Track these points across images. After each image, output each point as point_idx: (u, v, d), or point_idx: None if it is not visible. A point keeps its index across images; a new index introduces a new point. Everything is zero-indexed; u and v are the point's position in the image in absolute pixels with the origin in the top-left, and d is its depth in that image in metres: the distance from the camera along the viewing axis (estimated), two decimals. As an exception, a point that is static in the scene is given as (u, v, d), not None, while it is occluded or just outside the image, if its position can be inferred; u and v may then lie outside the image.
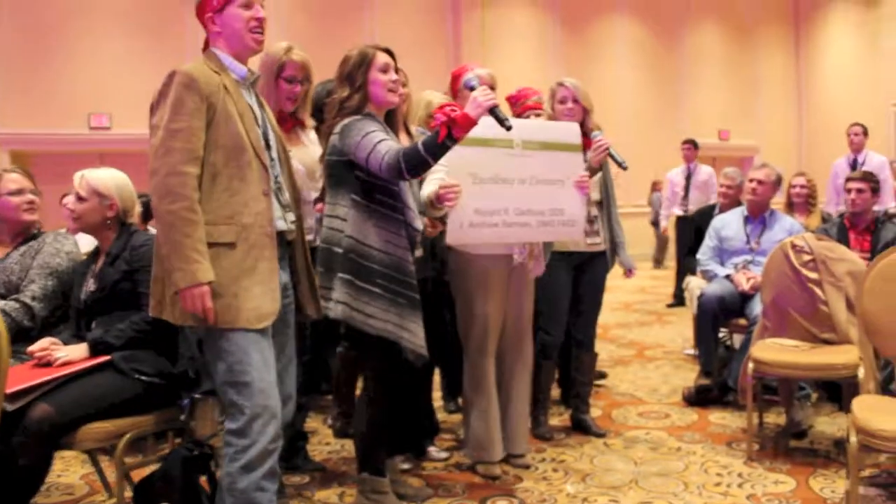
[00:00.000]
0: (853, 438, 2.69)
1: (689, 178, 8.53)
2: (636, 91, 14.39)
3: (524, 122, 3.59)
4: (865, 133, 7.71)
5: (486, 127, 2.85)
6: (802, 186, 5.76)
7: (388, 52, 2.96)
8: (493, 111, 2.71)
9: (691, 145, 8.88)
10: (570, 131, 3.53)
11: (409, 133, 3.49)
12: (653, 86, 14.61)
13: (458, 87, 3.60)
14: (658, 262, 13.23)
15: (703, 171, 8.58)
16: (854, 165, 7.77)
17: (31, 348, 2.76)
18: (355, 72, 2.90)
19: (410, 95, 3.61)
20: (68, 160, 10.03)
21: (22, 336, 2.95)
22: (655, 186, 12.96)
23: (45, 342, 2.77)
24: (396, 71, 2.98)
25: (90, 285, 2.93)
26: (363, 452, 3.04)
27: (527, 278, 3.53)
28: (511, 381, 3.56)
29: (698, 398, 4.54)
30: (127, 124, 10.72)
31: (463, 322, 3.46)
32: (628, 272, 4.15)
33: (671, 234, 8.93)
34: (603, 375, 4.96)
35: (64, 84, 10.73)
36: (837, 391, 4.34)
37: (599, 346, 4.59)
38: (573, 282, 3.95)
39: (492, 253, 3.38)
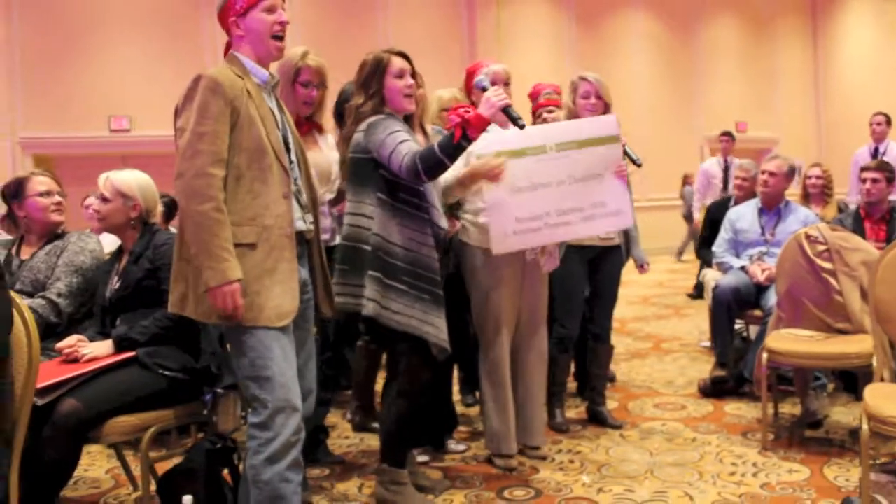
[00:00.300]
0: (865, 425, 2.72)
1: (727, 169, 8.50)
2: (652, 86, 14.37)
3: (559, 125, 3.61)
4: (889, 122, 7.68)
5: (517, 137, 2.91)
6: (818, 177, 5.77)
7: (405, 56, 3.02)
8: (505, 110, 2.76)
9: (729, 137, 8.88)
10: (607, 124, 3.54)
11: (424, 132, 3.54)
12: (669, 80, 14.58)
13: (471, 85, 3.64)
14: (680, 253, 13.20)
15: (737, 164, 8.52)
16: (875, 155, 7.76)
17: (59, 345, 2.84)
18: (370, 79, 2.97)
19: (426, 96, 3.65)
20: (89, 162, 10.19)
21: (49, 332, 3.05)
22: (687, 180, 12.92)
23: (72, 339, 2.86)
24: (413, 75, 3.03)
25: (114, 283, 3.02)
26: (388, 445, 3.10)
27: (540, 273, 3.57)
28: (526, 374, 3.61)
29: (714, 389, 4.56)
30: (147, 126, 10.86)
31: (478, 317, 3.51)
32: (641, 267, 4.20)
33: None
34: (612, 379, 4.95)
35: (84, 87, 10.87)
36: (854, 381, 4.36)
37: (616, 340, 4.63)
38: (589, 276, 3.99)
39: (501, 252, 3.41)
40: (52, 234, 3.34)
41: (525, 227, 3.30)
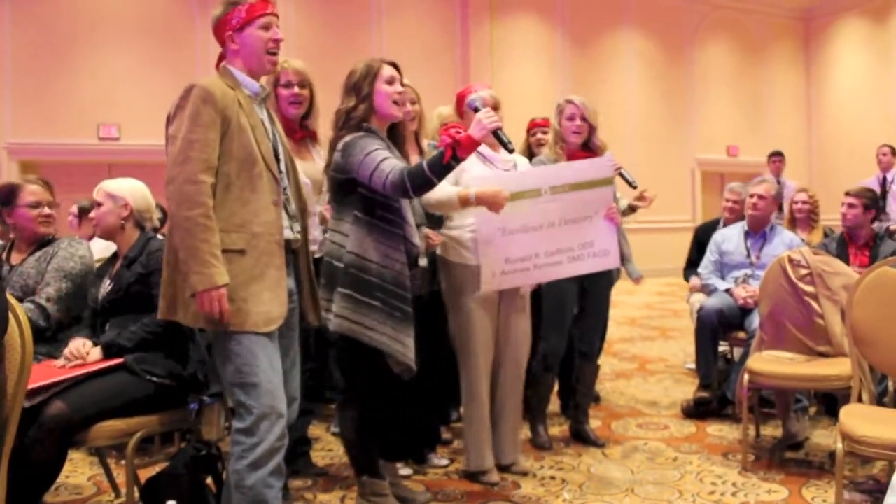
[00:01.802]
0: (839, 445, 2.81)
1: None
2: (644, 107, 14.53)
3: (554, 168, 3.73)
4: (894, 153, 7.93)
5: (514, 179, 3.02)
6: (804, 202, 5.89)
7: (395, 65, 3.10)
8: (495, 133, 2.83)
9: (779, 158, 8.93)
10: (602, 166, 3.67)
11: (420, 149, 3.61)
12: (661, 101, 14.74)
13: (462, 109, 3.73)
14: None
15: (790, 186, 8.56)
16: (884, 184, 7.99)
17: (66, 352, 2.91)
18: (361, 82, 3.02)
19: (423, 113, 3.73)
20: (77, 170, 10.23)
21: (37, 337, 3.09)
22: None
23: (77, 343, 2.93)
24: (402, 85, 3.12)
25: (106, 286, 3.09)
26: (352, 454, 3.18)
27: (519, 292, 3.65)
28: (502, 393, 3.68)
29: (697, 410, 4.65)
30: (136, 135, 10.87)
31: (456, 335, 3.58)
32: (636, 280, 4.30)
33: None
34: (596, 399, 5.05)
35: (73, 94, 10.87)
36: (835, 404, 4.45)
37: (602, 360, 4.71)
38: (579, 294, 4.07)
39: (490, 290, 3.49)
40: (43, 240, 3.41)
41: (514, 267, 3.43)
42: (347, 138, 2.94)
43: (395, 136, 3.14)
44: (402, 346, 2.94)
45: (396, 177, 2.78)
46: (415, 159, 3.43)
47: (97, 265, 3.40)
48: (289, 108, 3.51)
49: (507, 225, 3.38)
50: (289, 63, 3.50)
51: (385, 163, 2.83)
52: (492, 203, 3.21)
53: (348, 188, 2.95)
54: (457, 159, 2.74)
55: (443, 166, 2.75)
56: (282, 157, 2.71)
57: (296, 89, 3.50)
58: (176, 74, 10.82)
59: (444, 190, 3.19)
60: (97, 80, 10.95)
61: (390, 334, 2.91)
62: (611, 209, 3.62)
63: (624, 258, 4.16)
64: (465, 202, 3.25)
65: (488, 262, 3.37)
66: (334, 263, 2.94)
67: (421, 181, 2.77)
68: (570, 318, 4.07)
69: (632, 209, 4.76)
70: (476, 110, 2.89)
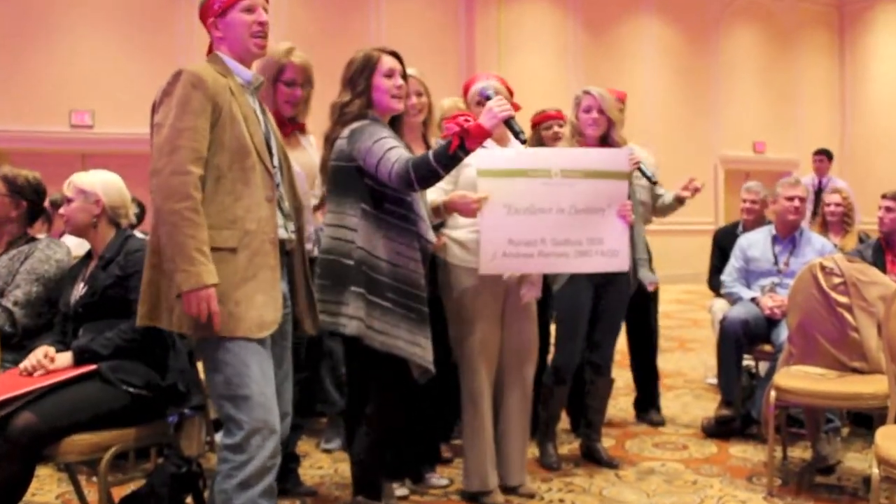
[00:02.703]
0: (875, 469, 2.81)
1: (819, 191, 8.53)
2: (664, 98, 14.50)
3: (568, 151, 3.81)
4: None
5: (522, 157, 3.00)
6: (837, 204, 5.89)
7: (396, 55, 3.11)
8: (507, 122, 2.85)
9: (824, 156, 8.90)
10: (619, 158, 3.70)
11: (427, 145, 3.61)
12: (682, 93, 14.72)
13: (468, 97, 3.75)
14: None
15: (837, 185, 8.55)
16: None
17: (24, 364, 2.90)
18: (358, 76, 3.05)
19: (432, 106, 3.72)
20: (47, 160, 10.13)
21: (3, 343, 3.11)
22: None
23: (39, 353, 2.91)
24: (404, 77, 3.12)
25: (80, 289, 3.09)
26: (361, 476, 3.16)
27: (524, 303, 3.65)
28: (507, 409, 3.68)
29: (718, 429, 4.64)
30: (111, 123, 10.85)
31: (456, 344, 3.58)
32: (650, 285, 4.30)
33: None
34: (658, 421, 5.02)
35: (42, 77, 10.80)
36: (869, 424, 4.44)
37: (615, 373, 4.70)
38: (593, 301, 4.08)
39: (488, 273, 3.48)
40: (20, 237, 3.41)
41: (517, 250, 3.40)
42: (355, 125, 2.97)
43: (397, 130, 3.15)
44: (420, 348, 2.97)
45: (402, 167, 2.80)
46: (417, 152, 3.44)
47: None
48: (285, 106, 3.52)
49: (513, 202, 3.37)
50: (298, 57, 3.49)
51: (392, 152, 2.85)
52: (463, 207, 3.24)
53: (353, 179, 2.97)
54: (465, 150, 2.75)
55: (449, 157, 2.75)
56: (275, 150, 2.71)
57: (298, 91, 3.50)
58: (156, 58, 10.79)
59: (430, 194, 3.23)
60: (69, 62, 10.89)
61: (405, 337, 2.93)
62: (624, 206, 3.62)
63: (637, 263, 4.15)
64: (436, 211, 3.28)
65: (490, 241, 3.34)
66: (342, 261, 2.94)
67: (425, 172, 2.78)
68: (585, 328, 4.07)
69: (679, 201, 4.78)
70: (488, 98, 2.91)
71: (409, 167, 2.78)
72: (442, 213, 3.29)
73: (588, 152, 3.78)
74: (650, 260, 4.60)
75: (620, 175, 3.66)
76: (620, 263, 3.69)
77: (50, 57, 10.84)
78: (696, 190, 4.74)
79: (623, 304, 4.20)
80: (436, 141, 3.69)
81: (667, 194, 4.87)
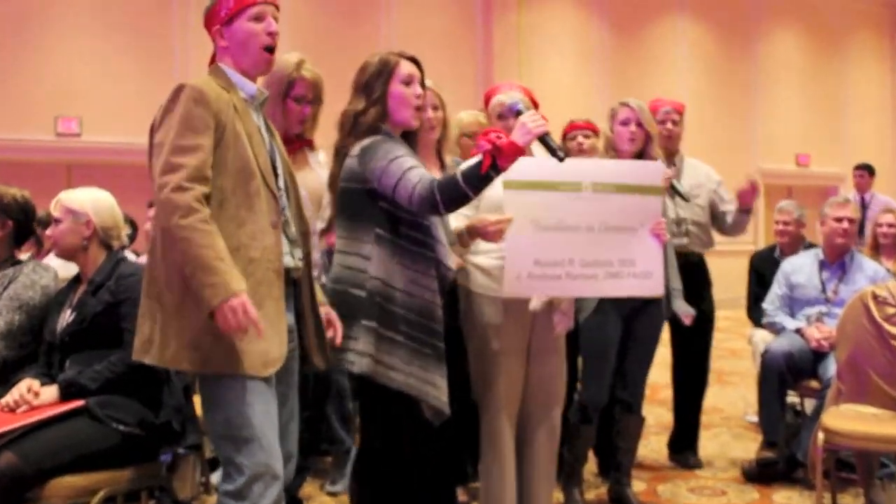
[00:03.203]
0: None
1: (863, 209, 8.52)
2: (699, 108, 14.42)
3: (598, 162, 3.82)
4: None
5: (550, 169, 3.02)
6: (890, 225, 5.85)
7: (415, 61, 3.07)
8: (543, 139, 2.82)
9: (865, 172, 8.88)
10: (652, 172, 3.69)
11: (441, 164, 3.60)
12: (719, 102, 14.70)
13: (488, 110, 3.75)
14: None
15: (881, 202, 8.52)
16: None
17: (5, 399, 2.91)
18: (374, 81, 3.00)
19: (448, 121, 3.67)
20: (31, 170, 10.19)
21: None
22: None
23: (22, 387, 2.92)
24: (423, 86, 3.10)
25: (67, 316, 3.09)
26: None
27: (553, 335, 3.62)
28: (531, 451, 3.65)
29: (761, 473, 4.61)
30: (99, 130, 10.88)
31: (477, 378, 3.55)
32: (686, 318, 4.28)
33: None
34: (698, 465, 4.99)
35: (27, 82, 10.79)
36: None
37: (646, 410, 4.68)
38: (623, 334, 4.07)
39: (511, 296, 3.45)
40: (6, 259, 3.42)
41: (543, 272, 3.38)
42: (365, 142, 2.93)
43: (411, 145, 3.11)
44: (434, 387, 2.93)
45: (425, 189, 2.76)
46: (434, 175, 3.42)
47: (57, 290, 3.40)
48: (295, 126, 3.52)
49: (540, 217, 3.35)
50: (308, 71, 3.50)
51: (412, 172, 2.82)
52: (484, 234, 3.20)
53: (366, 202, 2.93)
54: (497, 169, 2.72)
55: (480, 177, 2.72)
56: (280, 171, 2.71)
57: (307, 109, 3.51)
58: (147, 62, 10.86)
59: (451, 223, 3.22)
60: (56, 64, 10.90)
61: (419, 374, 2.90)
62: (659, 224, 3.61)
63: (672, 293, 4.14)
64: (460, 238, 3.26)
65: (515, 261, 3.31)
66: (353, 292, 2.91)
67: (454, 194, 2.75)
68: (613, 363, 4.06)
69: (745, 211, 4.77)
70: (519, 113, 2.89)
71: (434, 189, 2.75)
72: (466, 240, 3.26)
73: (620, 164, 3.79)
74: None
75: (654, 190, 3.65)
76: (654, 287, 3.67)
77: (34, 59, 10.85)
78: (754, 188, 4.65)
79: (655, 336, 4.19)
80: (451, 159, 3.68)
81: (729, 205, 4.83)
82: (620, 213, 3.53)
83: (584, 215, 3.45)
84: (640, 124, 3.97)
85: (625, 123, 3.98)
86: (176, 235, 2.39)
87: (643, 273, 3.59)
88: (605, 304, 3.87)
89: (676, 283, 4.16)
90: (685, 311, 4.26)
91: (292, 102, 3.47)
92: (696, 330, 4.59)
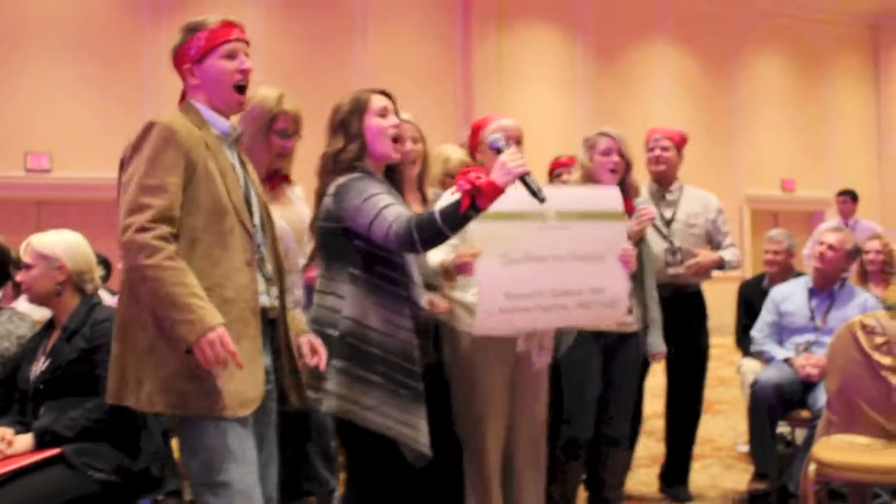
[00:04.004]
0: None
1: None
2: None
3: (558, 190, 3.77)
4: None
5: (514, 199, 3.01)
6: (878, 252, 5.91)
7: (386, 94, 3.12)
8: (523, 179, 2.82)
9: (848, 197, 8.96)
10: (610, 197, 3.68)
11: (423, 198, 3.62)
12: (703, 128, 14.73)
13: (477, 142, 3.77)
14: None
15: (865, 228, 8.58)
16: None
17: None
18: (349, 118, 3.04)
19: (427, 154, 3.71)
20: (0, 207, 10.18)
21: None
22: None
23: None
24: (397, 116, 3.13)
25: (41, 364, 3.09)
26: None
27: (537, 369, 3.65)
28: (520, 487, 3.67)
29: (753, 505, 4.62)
30: (70, 165, 10.83)
31: (462, 416, 3.56)
32: (653, 356, 4.28)
33: None
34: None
35: (-4, 118, 10.82)
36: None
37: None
38: (603, 367, 4.08)
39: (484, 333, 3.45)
40: None
41: (515, 304, 3.36)
42: (341, 180, 2.95)
43: (393, 181, 3.15)
44: (412, 429, 2.94)
45: (402, 227, 2.78)
46: (416, 209, 3.44)
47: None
48: (277, 161, 3.54)
49: (508, 250, 3.32)
50: (290, 104, 3.52)
51: (388, 210, 2.83)
52: (455, 266, 3.24)
53: (341, 241, 2.96)
54: (476, 209, 2.74)
55: (458, 217, 2.75)
56: (255, 208, 2.73)
57: (289, 143, 3.53)
58: (120, 94, 10.87)
59: (432, 260, 3.24)
60: (24, 97, 10.83)
61: (395, 416, 2.90)
62: (626, 251, 3.63)
63: (650, 325, 4.16)
64: (447, 274, 3.29)
65: (486, 297, 3.27)
66: (325, 331, 2.93)
67: (431, 233, 2.76)
68: (595, 397, 4.06)
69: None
70: (499, 151, 2.88)
71: (411, 228, 2.76)
72: (452, 274, 3.28)
73: (578, 191, 3.75)
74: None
75: (616, 216, 3.64)
76: (618, 314, 3.68)
77: (2, 94, 10.82)
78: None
79: (634, 370, 4.20)
80: (433, 192, 3.70)
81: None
82: (587, 241, 3.53)
83: (551, 245, 3.44)
84: (621, 154, 3.97)
85: (606, 153, 3.96)
86: (144, 275, 2.39)
87: (611, 301, 3.60)
88: (583, 339, 3.89)
89: (655, 314, 4.18)
90: (657, 349, 4.26)
91: (275, 137, 3.48)
92: (690, 362, 4.62)
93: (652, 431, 6.81)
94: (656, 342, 4.20)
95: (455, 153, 4.05)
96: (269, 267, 2.75)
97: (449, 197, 2.94)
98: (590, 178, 3.99)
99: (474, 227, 3.20)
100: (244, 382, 2.52)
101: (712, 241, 4.86)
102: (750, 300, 5.57)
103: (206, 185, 2.55)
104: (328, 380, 2.88)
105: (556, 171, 4.80)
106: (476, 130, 3.75)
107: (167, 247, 2.41)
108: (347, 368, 2.89)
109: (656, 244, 4.52)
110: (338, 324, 2.92)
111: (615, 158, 3.96)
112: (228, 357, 2.38)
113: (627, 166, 4.01)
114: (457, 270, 3.22)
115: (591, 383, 4.03)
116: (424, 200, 3.60)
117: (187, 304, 2.36)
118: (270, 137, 3.47)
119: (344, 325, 2.91)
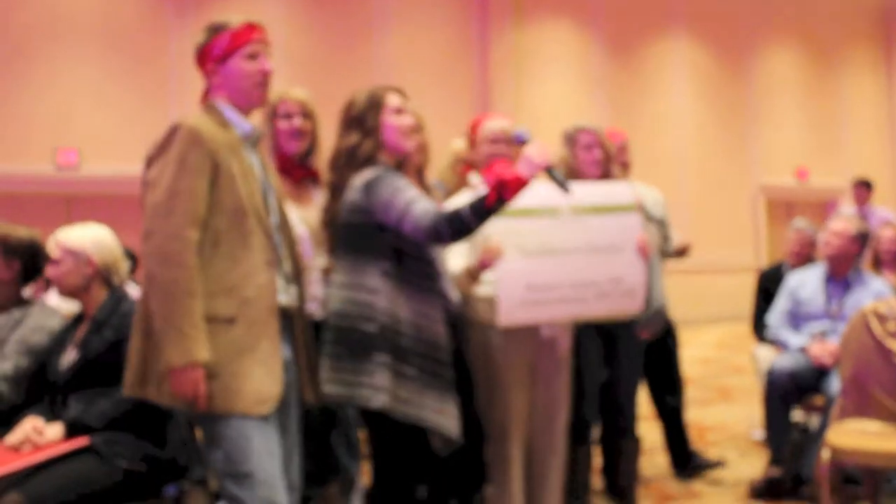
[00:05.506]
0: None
1: None
2: (697, 125, 14.52)
3: (574, 185, 3.75)
4: None
5: (531, 194, 3.00)
6: (891, 240, 5.86)
7: (399, 92, 3.12)
8: (549, 171, 2.84)
9: (863, 185, 8.91)
10: (620, 191, 3.71)
11: (424, 185, 3.61)
12: (717, 118, 14.75)
13: (475, 139, 3.77)
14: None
15: (880, 216, 8.53)
16: None
17: (10, 439, 2.91)
18: (365, 114, 3.04)
19: (427, 143, 3.71)
20: (30, 204, 10.21)
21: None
22: None
23: (27, 426, 2.92)
24: None
25: (71, 355, 3.10)
26: None
27: (558, 355, 3.66)
28: (540, 472, 3.67)
29: (768, 491, 4.59)
30: (99, 161, 10.87)
31: (484, 405, 3.56)
32: (642, 331, 4.27)
33: None
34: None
35: (25, 112, 10.75)
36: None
37: (649, 427, 4.68)
38: (607, 356, 4.08)
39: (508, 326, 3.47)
40: (13, 301, 3.44)
41: (536, 297, 3.40)
42: (368, 175, 2.93)
43: (402, 171, 3.15)
44: (446, 417, 2.93)
45: (431, 220, 2.77)
46: None
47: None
48: (289, 143, 3.49)
49: (524, 243, 3.36)
50: (288, 92, 3.53)
51: (416, 205, 2.82)
52: (481, 262, 3.28)
53: (371, 235, 2.93)
54: (503, 202, 2.73)
55: (486, 210, 2.73)
56: (273, 208, 2.74)
57: (297, 121, 3.49)
58: (146, 90, 10.92)
59: (453, 265, 3.26)
60: (53, 95, 10.85)
61: (432, 406, 2.89)
62: (642, 241, 3.64)
63: (648, 307, 4.14)
64: (472, 274, 3.32)
65: (508, 290, 3.32)
66: (361, 327, 2.87)
67: (459, 226, 2.75)
68: (598, 381, 4.06)
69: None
70: (524, 143, 2.90)
71: (439, 221, 2.75)
72: (476, 273, 3.30)
73: (589, 187, 3.74)
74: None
75: (628, 207, 3.67)
76: (636, 304, 3.69)
77: (30, 89, 10.80)
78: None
79: (638, 354, 4.20)
80: (433, 181, 3.71)
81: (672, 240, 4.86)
82: (603, 234, 3.56)
83: (568, 239, 3.48)
84: (602, 147, 3.97)
85: (588, 148, 3.95)
86: (160, 286, 2.44)
87: (628, 291, 3.62)
88: (583, 329, 3.88)
89: (659, 300, 4.20)
90: (646, 325, 4.25)
91: (280, 121, 3.46)
92: (659, 342, 4.68)
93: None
94: (648, 319, 4.18)
95: (463, 144, 4.07)
96: (288, 267, 2.76)
97: (474, 192, 2.93)
98: (573, 173, 3.97)
99: (491, 224, 3.21)
100: (262, 381, 2.53)
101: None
102: (770, 289, 5.53)
103: (230, 186, 2.56)
104: (372, 374, 2.83)
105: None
106: (474, 128, 3.75)
107: (191, 263, 2.45)
108: (391, 363, 2.85)
109: None
110: (375, 318, 2.87)
111: (597, 152, 3.95)
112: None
113: (608, 159, 4.00)
114: (480, 267, 3.23)
115: (592, 368, 4.02)
116: (425, 188, 3.60)
117: (185, 331, 2.41)
118: (276, 123, 3.47)
119: (382, 320, 2.87)
